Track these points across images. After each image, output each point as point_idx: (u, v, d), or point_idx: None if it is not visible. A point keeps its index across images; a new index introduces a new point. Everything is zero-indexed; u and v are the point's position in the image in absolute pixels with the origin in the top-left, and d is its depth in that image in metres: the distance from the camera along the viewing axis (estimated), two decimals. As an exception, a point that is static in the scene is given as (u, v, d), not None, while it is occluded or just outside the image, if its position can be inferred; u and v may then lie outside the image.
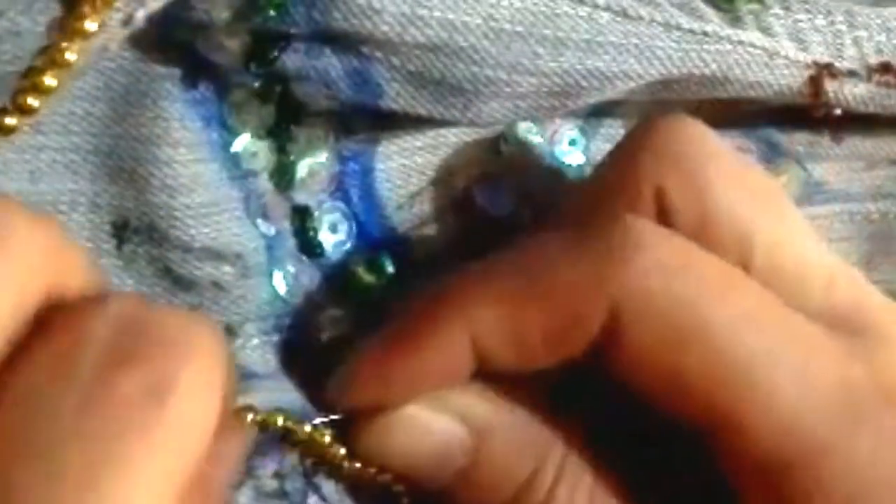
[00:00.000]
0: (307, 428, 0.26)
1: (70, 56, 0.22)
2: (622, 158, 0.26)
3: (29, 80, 0.21)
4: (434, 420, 0.25)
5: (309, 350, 0.27)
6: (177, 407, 0.19)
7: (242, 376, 0.26)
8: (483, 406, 0.25)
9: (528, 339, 0.24)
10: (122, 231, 0.25)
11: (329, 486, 0.26)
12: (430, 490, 0.26)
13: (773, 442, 0.23)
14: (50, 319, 0.19)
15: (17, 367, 0.19)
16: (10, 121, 0.22)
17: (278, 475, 0.26)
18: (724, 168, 0.26)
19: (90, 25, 0.22)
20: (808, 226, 0.27)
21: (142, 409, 0.19)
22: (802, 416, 0.23)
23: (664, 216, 0.25)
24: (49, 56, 0.22)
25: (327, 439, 0.26)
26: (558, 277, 0.24)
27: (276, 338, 0.27)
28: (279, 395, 0.26)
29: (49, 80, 0.21)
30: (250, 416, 0.25)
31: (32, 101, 0.22)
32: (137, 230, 0.25)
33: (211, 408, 0.20)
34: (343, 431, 0.26)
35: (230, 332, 0.26)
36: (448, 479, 0.25)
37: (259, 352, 0.27)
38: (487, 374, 0.25)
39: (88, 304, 0.19)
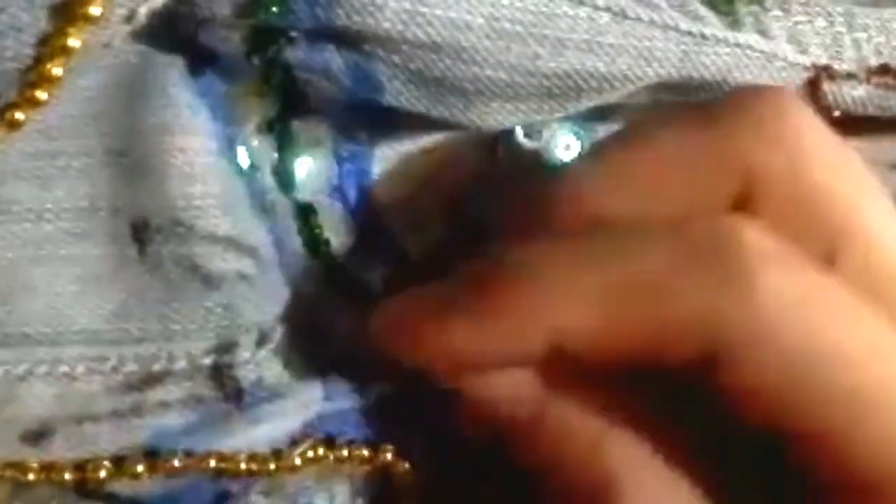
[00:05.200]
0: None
1: (73, 42, 0.22)
2: (704, 131, 0.25)
3: (35, 70, 0.22)
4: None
5: (317, 350, 0.27)
6: None
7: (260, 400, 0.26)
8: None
9: (626, 340, 0.23)
10: (142, 232, 0.25)
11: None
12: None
13: (871, 462, 0.22)
14: None
15: None
16: (19, 115, 0.22)
17: None
18: (825, 145, 0.24)
19: (94, 10, 0.22)
20: None
21: None
22: None
23: (753, 193, 0.24)
24: (53, 44, 0.22)
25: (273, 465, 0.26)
26: (661, 286, 0.23)
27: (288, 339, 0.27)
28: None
29: (56, 70, 0.22)
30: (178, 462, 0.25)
31: (41, 93, 0.22)
32: (159, 228, 0.25)
33: None
34: None
35: (263, 338, 0.26)
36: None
37: (279, 358, 0.26)
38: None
39: None
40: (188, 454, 0.25)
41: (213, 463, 0.25)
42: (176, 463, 0.25)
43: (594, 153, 0.26)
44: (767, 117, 0.24)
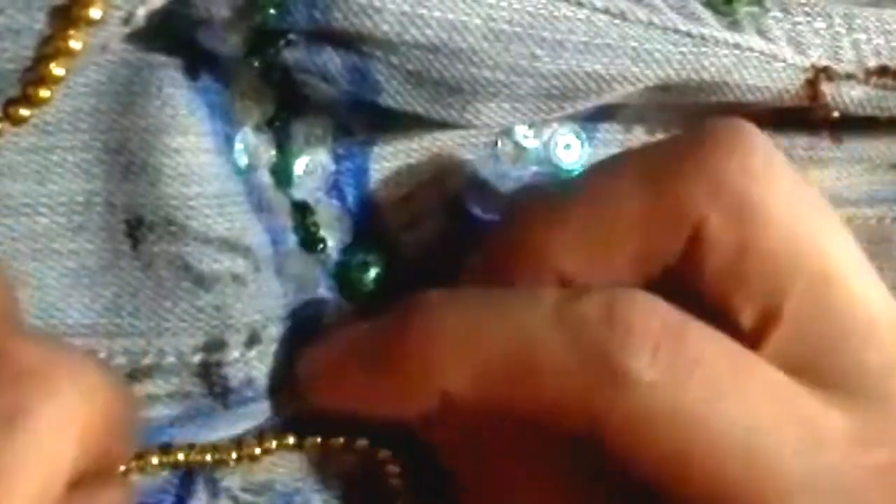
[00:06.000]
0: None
1: (75, 44, 0.22)
2: (662, 179, 0.25)
3: (37, 70, 0.22)
4: None
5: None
6: (27, 438, 0.19)
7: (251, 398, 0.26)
8: None
9: (505, 411, 0.24)
10: (136, 230, 0.25)
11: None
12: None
13: None
14: None
15: None
16: (23, 111, 0.22)
17: None
18: (775, 192, 0.24)
19: (94, 13, 0.22)
20: (867, 264, 0.25)
21: None
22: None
23: (698, 248, 0.24)
24: (54, 45, 0.22)
25: (257, 451, 0.26)
26: (542, 367, 0.23)
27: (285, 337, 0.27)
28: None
29: (57, 70, 0.22)
30: (155, 459, 0.25)
31: (44, 92, 0.22)
32: (153, 226, 0.25)
33: (68, 446, 0.19)
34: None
35: (254, 338, 0.26)
36: None
37: (273, 357, 0.27)
38: None
39: None
40: (168, 448, 0.26)
41: (208, 457, 0.26)
42: (154, 460, 0.25)
43: (555, 200, 0.26)
44: (713, 166, 0.24)
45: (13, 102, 0.23)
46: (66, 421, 0.19)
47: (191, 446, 0.26)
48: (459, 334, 0.24)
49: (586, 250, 0.25)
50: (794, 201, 0.25)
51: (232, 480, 0.26)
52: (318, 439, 0.27)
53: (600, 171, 0.26)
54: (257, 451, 0.26)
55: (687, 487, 0.23)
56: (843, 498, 0.23)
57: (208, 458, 0.26)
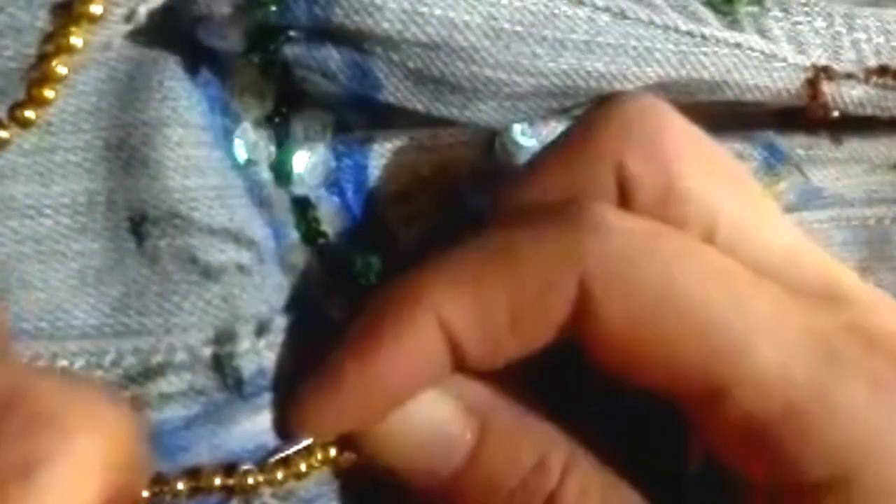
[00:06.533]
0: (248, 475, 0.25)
1: (76, 41, 0.22)
2: (581, 134, 0.26)
3: (40, 69, 0.22)
4: (436, 407, 0.25)
5: (314, 342, 0.27)
6: (45, 486, 0.18)
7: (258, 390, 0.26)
8: (484, 390, 0.25)
9: (496, 320, 0.24)
10: (139, 226, 0.25)
11: None
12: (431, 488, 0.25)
13: (755, 399, 0.23)
14: None
15: None
16: (29, 114, 0.22)
17: None
18: (688, 144, 0.25)
19: (96, 9, 0.22)
20: (774, 206, 0.26)
21: (6, 487, 0.18)
22: (780, 371, 0.23)
23: (625, 191, 0.25)
24: (56, 42, 0.22)
25: (281, 474, 0.26)
26: (522, 255, 0.24)
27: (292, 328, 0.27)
28: None
29: (60, 68, 0.22)
30: (181, 485, 0.25)
31: (48, 91, 0.22)
32: (157, 221, 0.25)
33: (89, 493, 0.19)
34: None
35: (263, 328, 0.26)
36: (451, 471, 0.25)
37: (282, 347, 0.27)
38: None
39: None
40: (194, 473, 0.25)
41: (217, 481, 0.25)
42: (180, 486, 0.25)
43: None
44: (634, 120, 0.25)
45: (19, 105, 0.23)
46: (85, 467, 0.19)
47: (247, 470, 0.26)
48: (445, 270, 0.25)
49: (535, 190, 0.26)
50: (705, 152, 0.26)
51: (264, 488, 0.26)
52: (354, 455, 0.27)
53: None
54: (303, 467, 0.26)
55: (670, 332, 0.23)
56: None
57: (261, 479, 0.26)
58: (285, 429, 0.26)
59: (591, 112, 0.26)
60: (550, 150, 0.27)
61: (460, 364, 0.25)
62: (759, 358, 0.23)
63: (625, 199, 0.25)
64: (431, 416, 0.25)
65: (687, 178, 0.25)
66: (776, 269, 0.25)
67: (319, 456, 0.26)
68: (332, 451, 0.26)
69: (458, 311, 0.24)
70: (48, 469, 0.18)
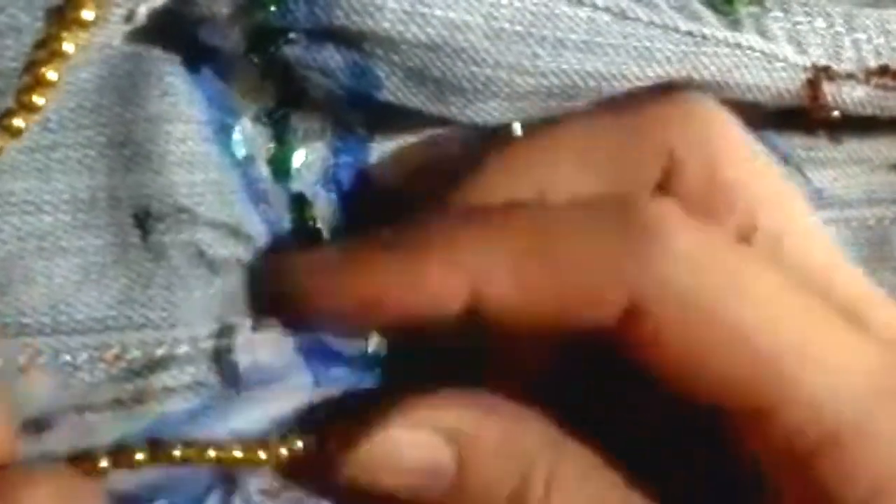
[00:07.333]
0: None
1: (68, 47, 0.22)
2: (633, 118, 0.26)
3: (30, 75, 0.22)
4: (418, 438, 0.25)
5: (307, 338, 0.27)
6: None
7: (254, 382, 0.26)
8: (466, 416, 0.25)
9: (540, 303, 0.24)
10: (144, 222, 0.25)
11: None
12: None
13: (801, 424, 0.23)
14: None
15: None
16: (17, 122, 0.22)
17: None
18: (735, 138, 0.26)
19: (87, 14, 0.22)
20: (815, 217, 0.27)
21: None
22: (829, 398, 0.23)
23: (670, 176, 0.25)
24: (48, 48, 0.22)
25: (263, 454, 0.26)
26: (575, 252, 0.24)
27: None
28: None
29: (50, 74, 0.22)
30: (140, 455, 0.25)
31: (37, 98, 0.22)
32: (161, 216, 0.25)
33: None
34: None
35: (259, 323, 0.26)
36: (438, 496, 0.25)
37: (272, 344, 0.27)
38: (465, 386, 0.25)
39: None
40: (187, 444, 0.25)
41: (212, 453, 0.26)
42: (176, 452, 0.25)
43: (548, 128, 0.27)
44: (690, 116, 0.26)
45: (8, 115, 0.23)
46: None
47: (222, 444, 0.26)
48: (485, 234, 0.24)
49: (570, 170, 0.26)
50: (754, 160, 0.26)
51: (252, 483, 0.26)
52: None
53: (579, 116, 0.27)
54: (283, 451, 0.26)
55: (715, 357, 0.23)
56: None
57: (238, 454, 0.26)
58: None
59: (644, 101, 0.27)
60: (594, 129, 0.27)
61: (478, 311, 0.24)
62: (809, 391, 0.23)
63: (668, 184, 0.25)
64: (413, 444, 0.25)
65: (733, 169, 0.25)
66: (812, 282, 0.25)
67: (299, 443, 0.26)
68: (299, 443, 0.26)
69: (497, 281, 0.24)
70: None
